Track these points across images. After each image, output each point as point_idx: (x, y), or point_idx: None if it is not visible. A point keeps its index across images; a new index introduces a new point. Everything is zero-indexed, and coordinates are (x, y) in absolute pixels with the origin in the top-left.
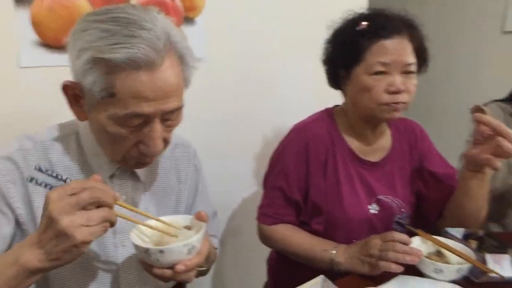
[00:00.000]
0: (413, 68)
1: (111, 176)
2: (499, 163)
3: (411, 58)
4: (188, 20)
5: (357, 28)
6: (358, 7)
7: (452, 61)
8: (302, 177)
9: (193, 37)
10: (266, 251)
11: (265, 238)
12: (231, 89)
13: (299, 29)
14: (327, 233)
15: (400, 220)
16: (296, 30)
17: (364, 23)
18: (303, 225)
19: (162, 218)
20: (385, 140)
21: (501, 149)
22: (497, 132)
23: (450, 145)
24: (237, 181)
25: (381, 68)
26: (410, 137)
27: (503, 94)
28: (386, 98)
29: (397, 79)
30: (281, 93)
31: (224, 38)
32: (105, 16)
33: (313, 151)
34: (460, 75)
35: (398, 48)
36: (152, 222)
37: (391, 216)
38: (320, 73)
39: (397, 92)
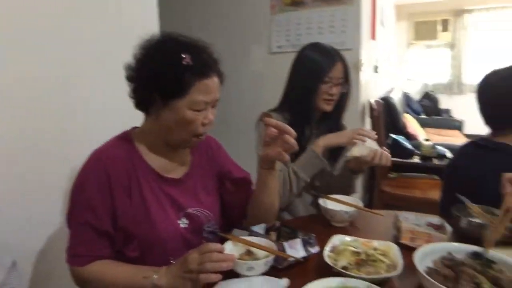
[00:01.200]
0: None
1: None
2: (287, 156)
3: (219, 94)
4: None
5: (183, 62)
6: (149, 29)
7: (240, 79)
8: (108, 205)
9: None
10: None
11: (80, 282)
12: (25, 122)
13: (91, 54)
14: (143, 258)
15: (211, 229)
16: (89, 54)
17: (186, 56)
18: (118, 254)
19: None
20: (185, 157)
21: (288, 145)
22: (283, 131)
23: (240, 152)
24: (39, 224)
25: (204, 106)
26: (207, 150)
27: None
28: (201, 129)
29: (210, 113)
30: (81, 121)
31: (16, 66)
32: None
33: (114, 176)
34: (246, 90)
35: (215, 87)
36: None
37: (202, 227)
38: (117, 96)
39: (208, 124)
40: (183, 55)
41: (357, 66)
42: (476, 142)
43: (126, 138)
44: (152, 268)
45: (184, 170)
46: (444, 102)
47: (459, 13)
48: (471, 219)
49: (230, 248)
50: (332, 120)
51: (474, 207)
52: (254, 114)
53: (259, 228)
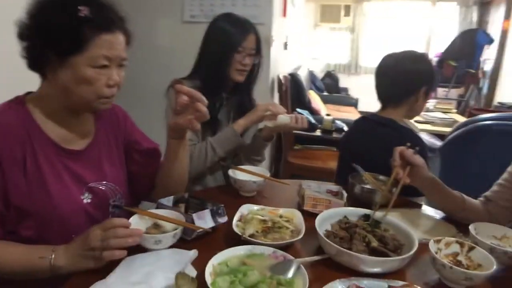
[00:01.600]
0: (126, 62)
1: None
2: (198, 125)
3: (125, 53)
4: None
5: (79, 14)
6: None
7: (151, 47)
8: None
9: None
10: None
11: None
12: None
13: None
14: (41, 237)
15: (116, 203)
16: None
17: (84, 8)
18: (11, 234)
19: None
20: (88, 126)
21: (199, 113)
22: (195, 99)
23: (150, 122)
24: None
25: (105, 62)
26: (113, 120)
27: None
28: (106, 91)
29: (115, 74)
30: None
31: None
32: None
33: (5, 148)
34: (157, 59)
35: (118, 43)
36: None
37: (107, 201)
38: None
39: (114, 86)
40: (80, 7)
41: (268, 41)
42: (367, 118)
43: (19, 104)
44: (49, 247)
45: (87, 141)
46: (343, 81)
47: (360, 0)
48: (363, 185)
49: (137, 222)
50: (244, 91)
51: (366, 175)
52: (165, 83)
53: (167, 200)
